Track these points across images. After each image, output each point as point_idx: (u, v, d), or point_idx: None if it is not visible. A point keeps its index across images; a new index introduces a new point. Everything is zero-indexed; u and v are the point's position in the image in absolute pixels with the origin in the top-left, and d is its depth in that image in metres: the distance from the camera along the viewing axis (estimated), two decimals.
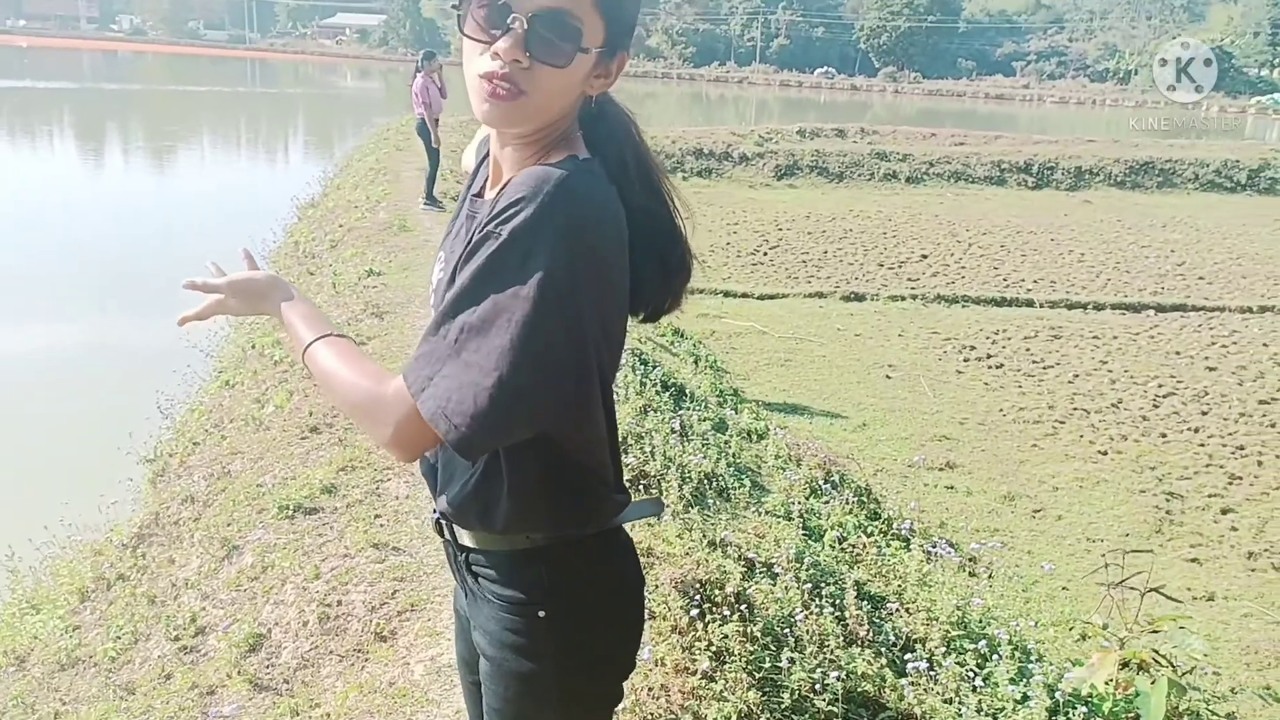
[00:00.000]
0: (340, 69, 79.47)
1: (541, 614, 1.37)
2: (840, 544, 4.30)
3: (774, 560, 3.30)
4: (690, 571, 2.84)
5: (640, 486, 3.67)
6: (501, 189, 1.27)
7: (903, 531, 4.61)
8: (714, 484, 4.13)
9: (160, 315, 10.12)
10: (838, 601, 3.14)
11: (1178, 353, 9.65)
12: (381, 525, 3.39)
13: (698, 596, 2.79)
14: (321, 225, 11.15)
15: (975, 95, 70.76)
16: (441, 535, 1.49)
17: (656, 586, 2.76)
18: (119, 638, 3.16)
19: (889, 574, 4.00)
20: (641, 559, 2.95)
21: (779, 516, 4.34)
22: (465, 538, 1.42)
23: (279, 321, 1.43)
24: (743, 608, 2.79)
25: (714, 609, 2.74)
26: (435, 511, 1.47)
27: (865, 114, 46.93)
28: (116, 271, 12.37)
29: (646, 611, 2.51)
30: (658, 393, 5.20)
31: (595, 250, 1.20)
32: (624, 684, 1.51)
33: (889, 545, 4.47)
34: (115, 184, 20.71)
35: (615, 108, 1.41)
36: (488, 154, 1.46)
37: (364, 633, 2.77)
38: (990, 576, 5.21)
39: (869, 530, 4.65)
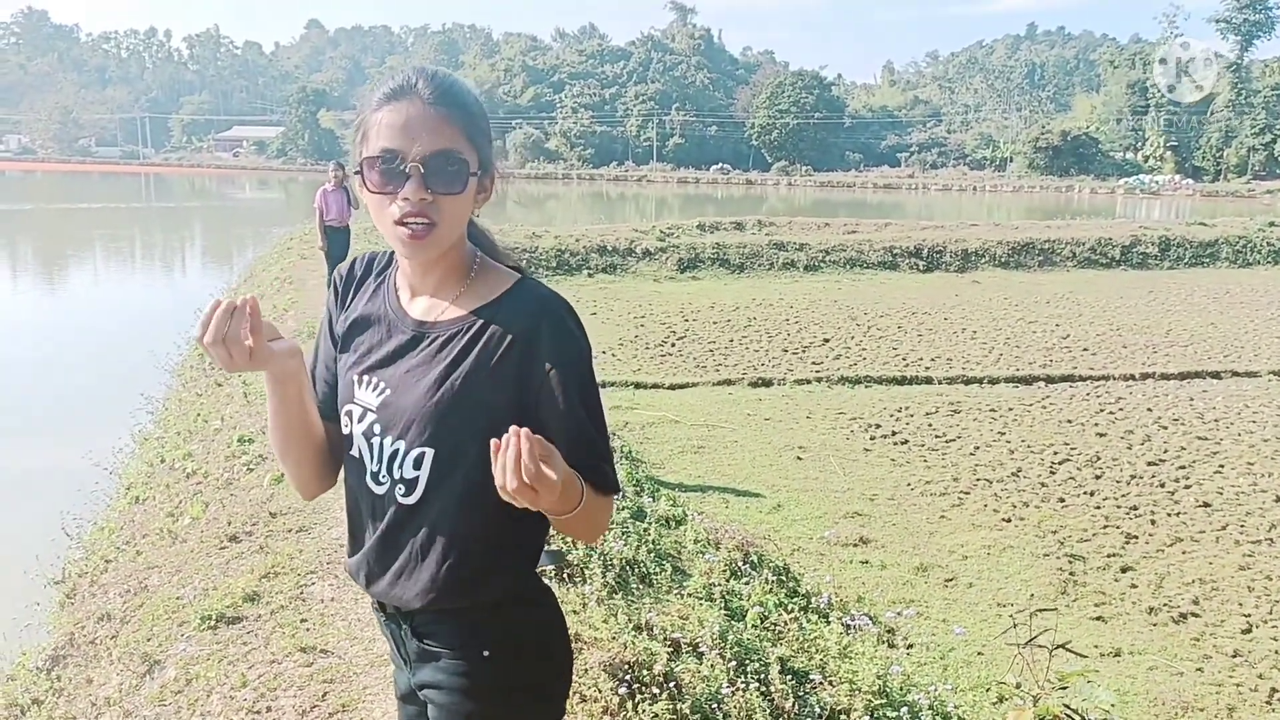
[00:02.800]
0: (239, 181, 79.01)
1: (485, 654, 1.52)
2: (762, 622, 4.39)
3: (699, 640, 3.38)
4: (618, 654, 2.90)
5: (565, 575, 3.73)
6: (479, 319, 1.51)
7: (821, 607, 4.72)
8: (636, 570, 4.20)
9: (58, 438, 9.84)
10: (763, 678, 3.22)
11: (1069, 421, 10.10)
12: (308, 629, 3.37)
13: (627, 678, 2.85)
14: None
15: (864, 185, 73.95)
16: (384, 612, 1.59)
17: (585, 670, 2.81)
18: None
19: (811, 649, 4.10)
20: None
21: (701, 598, 4.42)
22: (417, 600, 1.54)
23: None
24: (671, 686, 2.85)
25: (643, 689, 2.80)
26: (375, 600, 1.61)
27: (761, 206, 48.58)
28: (10, 394, 11.97)
29: (577, 695, 2.56)
30: None
31: None
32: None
33: (809, 621, 4.57)
34: (3, 305, 20.10)
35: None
36: (374, 276, 1.67)
37: None
38: (909, 646, 5.35)
39: (789, 607, 4.75)
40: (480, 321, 1.49)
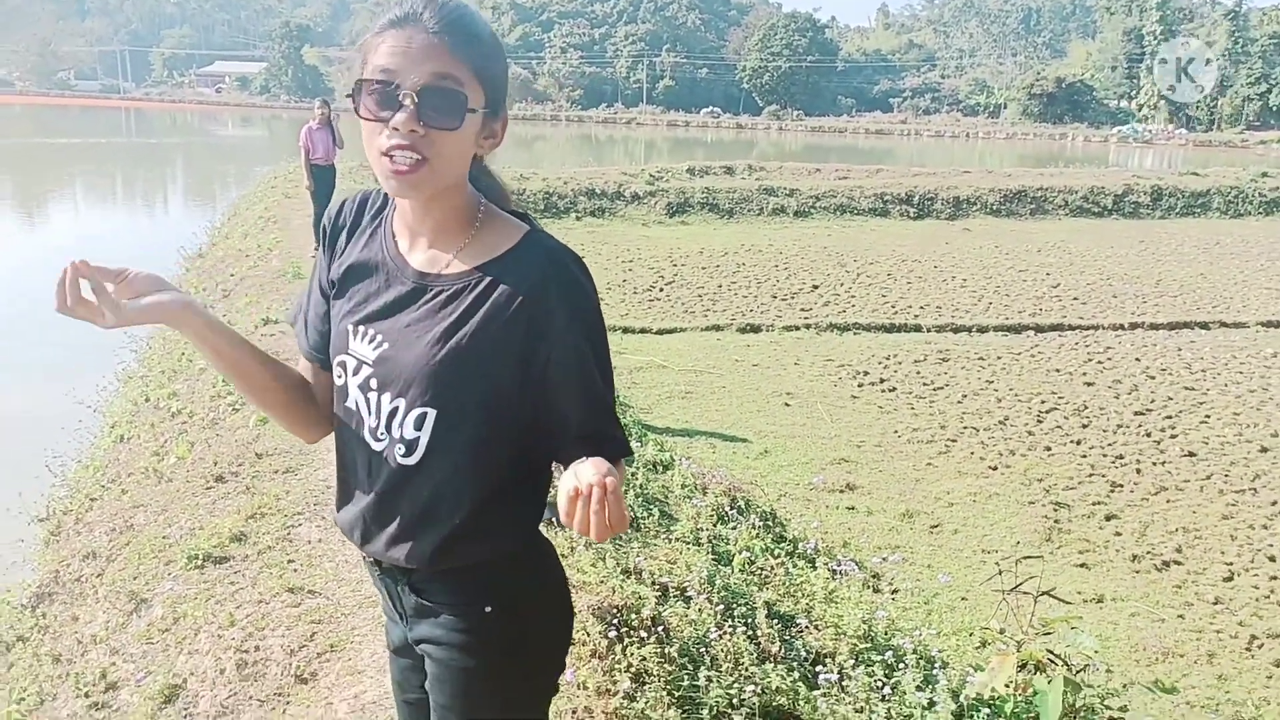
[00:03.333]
0: (221, 117, 77.81)
1: (488, 609, 1.48)
2: (749, 566, 4.40)
3: (686, 584, 3.37)
4: (606, 598, 2.89)
5: (554, 521, 3.70)
6: (486, 272, 1.44)
7: (808, 552, 4.73)
8: None
9: (39, 376, 9.74)
10: (749, 621, 3.22)
11: (1057, 370, 10.12)
12: (295, 570, 3.34)
13: (615, 621, 2.83)
14: (211, 275, 10.90)
15: (856, 131, 73.26)
16: (379, 568, 1.55)
17: (575, 613, 2.80)
18: (23, 699, 3.03)
19: (797, 593, 4.11)
20: None
21: (689, 543, 4.42)
22: (417, 562, 1.49)
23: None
24: (659, 630, 2.85)
25: (631, 633, 2.79)
26: (369, 557, 1.55)
27: (752, 151, 48.09)
28: None
29: None
30: None
31: None
32: (559, 677, 1.61)
33: (796, 566, 4.58)
34: None
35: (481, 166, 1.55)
36: (368, 218, 1.58)
37: (284, 676, 2.73)
38: (894, 591, 5.38)
39: (775, 552, 4.76)
40: (488, 279, 1.42)
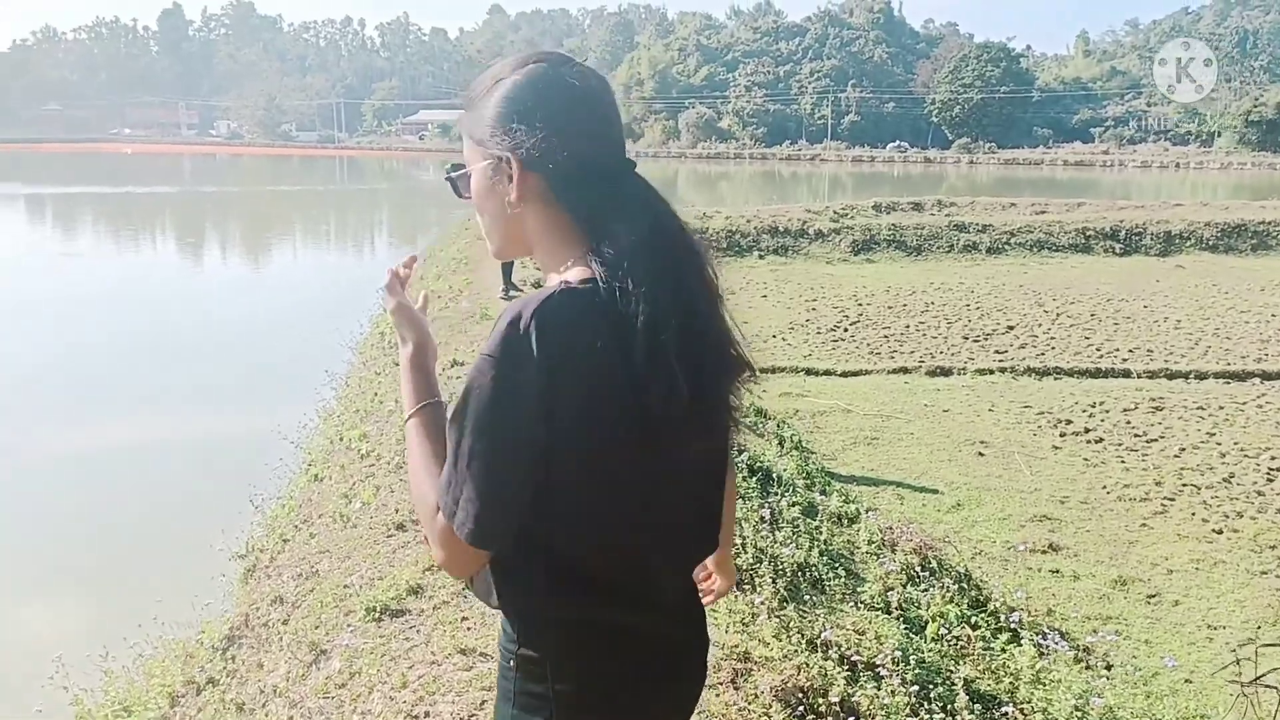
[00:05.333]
0: (423, 163, 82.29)
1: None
2: (943, 637, 4.08)
3: (877, 660, 3.12)
4: (791, 678, 2.69)
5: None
6: None
7: (1010, 623, 4.35)
8: (807, 575, 3.96)
9: (252, 408, 10.41)
10: (948, 704, 2.95)
11: None
12: (468, 629, 3.30)
13: (800, 706, 2.63)
14: None
15: (1053, 163, 70.02)
16: None
17: (757, 695, 2.62)
18: None
19: (999, 670, 3.77)
20: (739, 664, 2.82)
21: (877, 609, 4.15)
22: None
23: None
24: (849, 718, 2.62)
25: (818, 717, 2.58)
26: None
27: (940, 186, 46.77)
28: (210, 365, 12.76)
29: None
30: (744, 478, 5.06)
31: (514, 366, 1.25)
32: None
33: (996, 638, 4.23)
34: (210, 281, 21.55)
35: (636, 186, 1.41)
36: None
37: None
38: (1107, 668, 4.89)
39: (972, 620, 4.41)
40: None
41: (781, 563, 3.88)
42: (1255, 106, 69.23)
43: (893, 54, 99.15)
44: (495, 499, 1.27)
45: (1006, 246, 20.24)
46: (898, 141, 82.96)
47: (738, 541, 3.95)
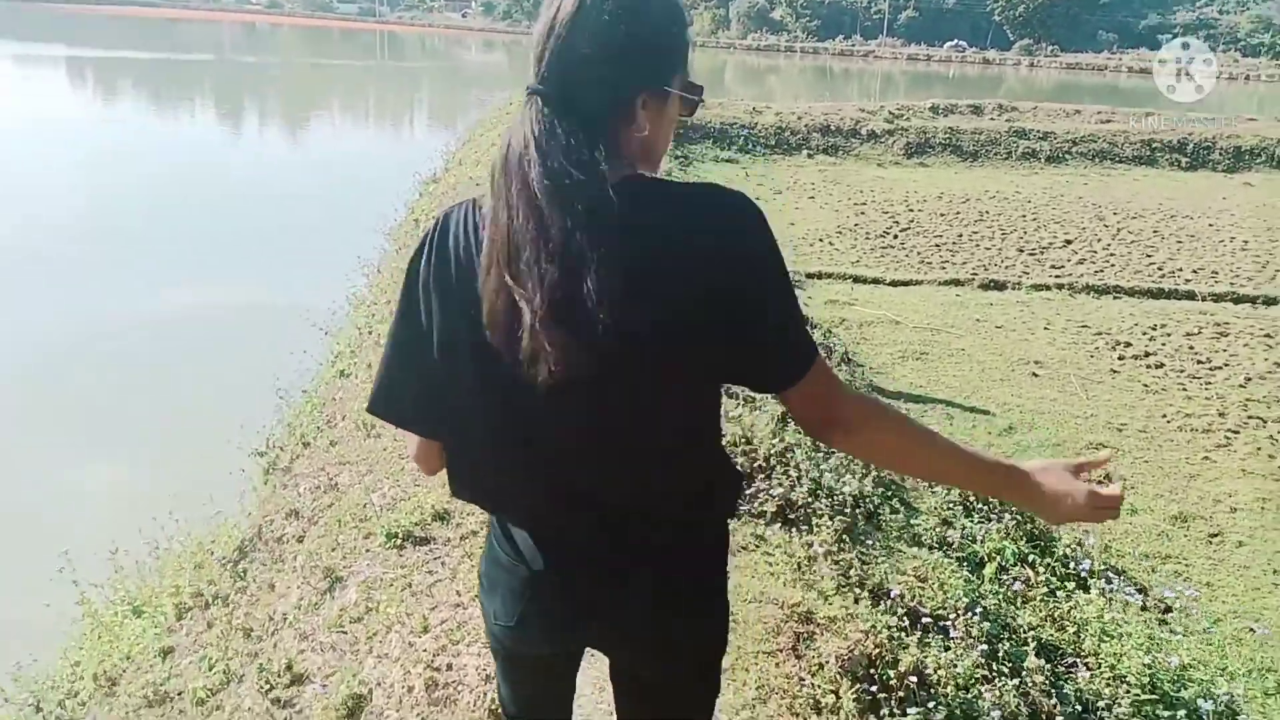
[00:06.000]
0: (465, 41, 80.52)
1: None
2: (1000, 577, 3.82)
3: (942, 612, 2.87)
4: (858, 643, 2.43)
5: (788, 518, 3.27)
6: None
7: (1078, 570, 4.07)
8: (862, 508, 3.69)
9: (284, 286, 10.21)
10: (1017, 664, 2.69)
11: None
12: None
13: (870, 680, 2.37)
14: (442, 201, 10.97)
15: (1117, 69, 67.14)
16: None
17: (821, 666, 2.37)
18: (211, 672, 2.92)
19: (1063, 619, 3.51)
20: (799, 627, 2.56)
21: (934, 546, 3.88)
22: None
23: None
24: (915, 683, 2.37)
25: (888, 693, 2.33)
26: None
27: (999, 88, 44.99)
28: (240, 240, 12.55)
29: (810, 701, 2.12)
30: None
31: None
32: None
33: (1055, 578, 3.96)
34: (249, 154, 21.26)
35: None
36: None
37: (476, 709, 2.41)
38: (1166, 611, 4.63)
39: (1030, 560, 4.15)
40: None
41: (838, 496, 3.60)
42: None
43: None
44: (384, 375, 1.48)
45: (1067, 156, 19.39)
46: (955, 40, 79.71)
47: (791, 471, 3.66)
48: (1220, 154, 19.60)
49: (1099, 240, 12.88)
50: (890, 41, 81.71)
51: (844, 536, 3.28)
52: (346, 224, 11.56)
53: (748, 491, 3.37)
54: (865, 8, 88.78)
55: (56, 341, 8.41)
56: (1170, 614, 4.58)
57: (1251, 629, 4.58)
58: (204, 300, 9.78)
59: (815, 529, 3.23)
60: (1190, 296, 10.47)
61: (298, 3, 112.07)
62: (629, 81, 1.29)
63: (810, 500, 3.44)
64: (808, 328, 1.23)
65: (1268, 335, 9.20)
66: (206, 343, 8.49)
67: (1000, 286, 10.62)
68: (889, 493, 4.12)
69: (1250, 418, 7.26)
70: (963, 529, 4.22)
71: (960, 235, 12.95)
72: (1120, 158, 19.41)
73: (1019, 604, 3.59)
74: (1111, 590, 4.05)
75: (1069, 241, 12.76)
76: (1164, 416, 7.27)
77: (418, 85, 43.36)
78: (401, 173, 14.68)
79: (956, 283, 10.72)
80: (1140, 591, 4.76)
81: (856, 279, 10.70)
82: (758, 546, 3.05)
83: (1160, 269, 11.53)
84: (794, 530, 3.23)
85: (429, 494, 3.45)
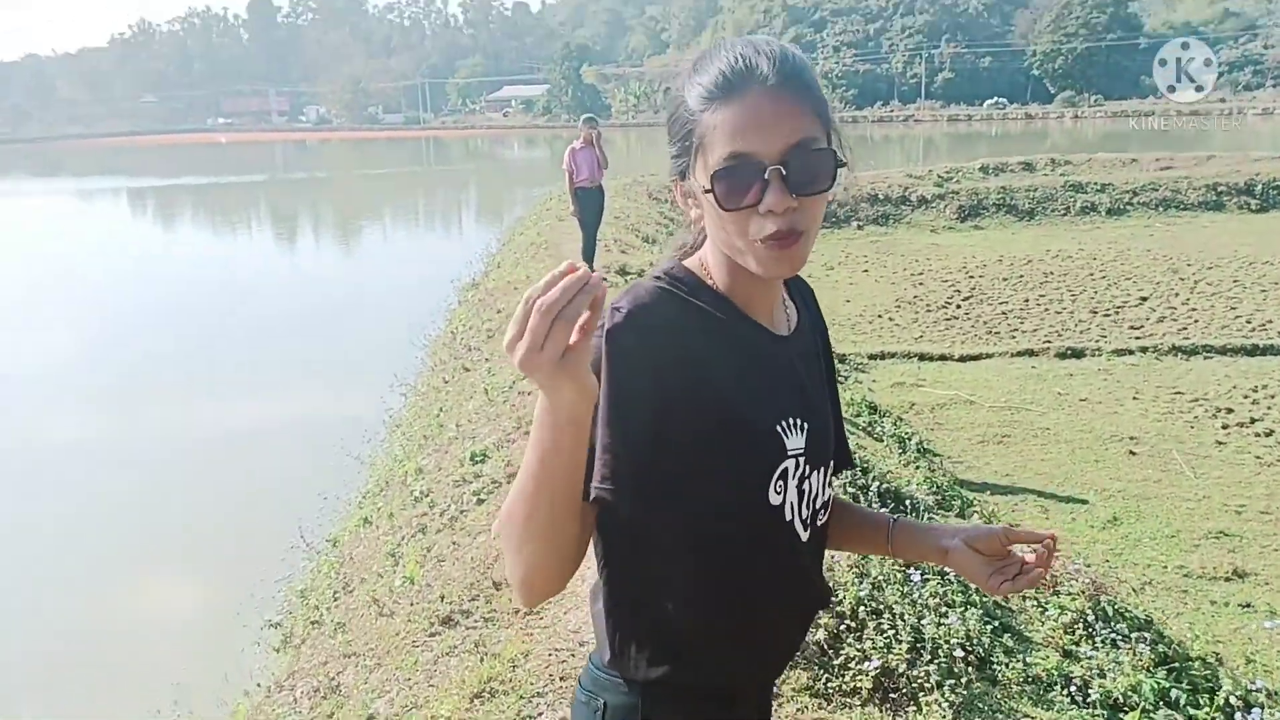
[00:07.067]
0: (507, 140, 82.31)
1: None
2: None
3: None
4: None
5: (889, 695, 2.70)
6: (795, 311, 1.43)
7: (1227, 700, 3.43)
8: (972, 654, 3.12)
9: (316, 412, 9.89)
10: None
11: None
12: None
13: None
14: (480, 311, 10.63)
15: (1165, 113, 66.15)
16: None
17: None
18: None
19: None
20: None
21: (1056, 686, 3.28)
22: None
23: None
24: None
25: None
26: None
27: (1044, 143, 44.44)
28: (290, 358, 12.37)
29: None
30: (869, 503, 4.21)
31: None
32: None
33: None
34: (302, 269, 21.44)
35: None
36: (695, 329, 1.28)
37: None
38: None
39: (1175, 699, 3.51)
40: (800, 317, 1.42)
41: (941, 647, 3.02)
42: None
43: (988, 5, 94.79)
44: None
45: (1129, 207, 18.70)
46: (995, 98, 79.54)
47: (886, 627, 3.08)
48: None
49: (1176, 295, 12.17)
50: (929, 104, 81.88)
51: (960, 713, 2.70)
52: (391, 336, 11.30)
53: (835, 662, 2.82)
54: (901, 72, 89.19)
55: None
56: None
57: None
58: (233, 426, 9.48)
59: (924, 708, 2.66)
60: None
61: (345, 117, 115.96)
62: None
63: (912, 656, 2.87)
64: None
65: None
66: (232, 474, 8.09)
67: (1078, 354, 9.96)
68: (998, 625, 3.53)
69: None
70: (1087, 663, 3.60)
71: (1027, 300, 12.33)
72: (1185, 205, 18.67)
73: None
74: None
75: (1144, 299, 12.07)
76: None
77: (464, 186, 44.05)
78: (457, 272, 14.52)
79: (1030, 353, 10.08)
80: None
81: (922, 356, 10.12)
82: None
83: (1249, 322, 10.79)
84: (897, 715, 2.66)
85: (443, 700, 2.88)
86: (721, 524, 1.27)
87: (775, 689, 1.47)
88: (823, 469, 1.36)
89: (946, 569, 3.99)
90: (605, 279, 1.01)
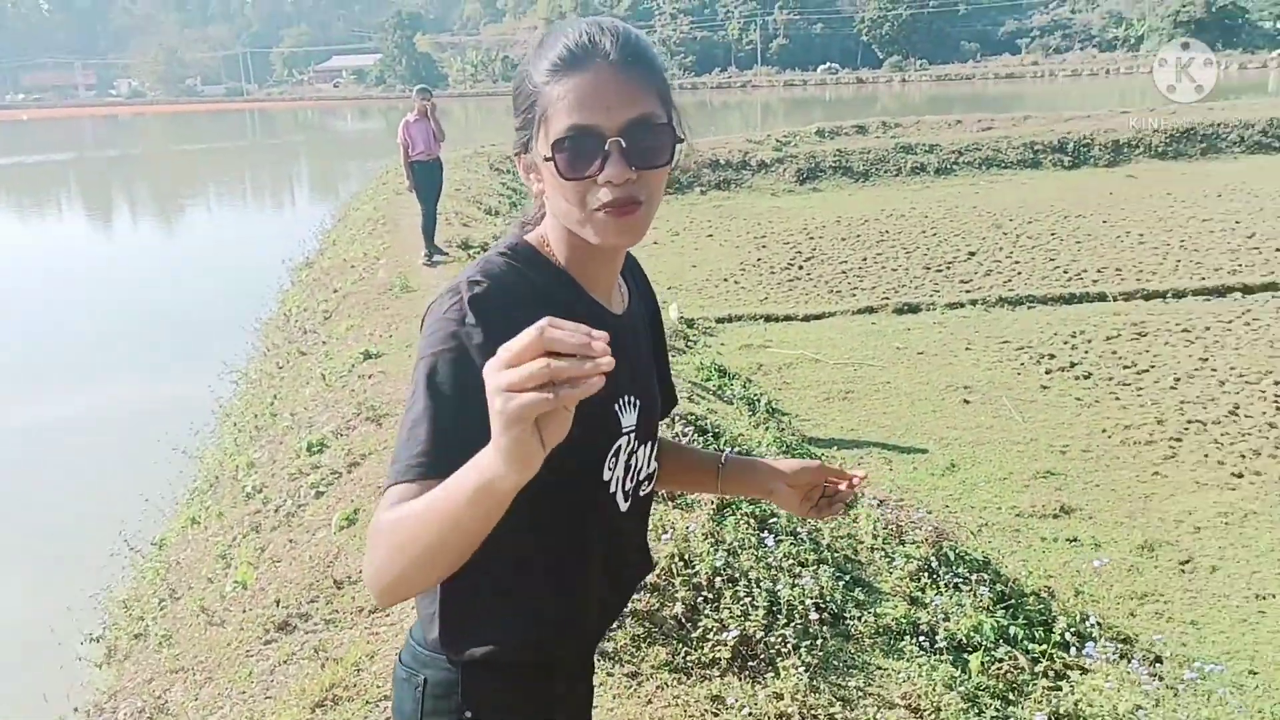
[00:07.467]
0: (340, 112, 79.41)
1: None
2: (989, 668, 3.32)
3: None
4: None
5: (747, 663, 2.69)
6: (628, 291, 1.43)
7: (1061, 632, 3.60)
8: (825, 611, 3.16)
9: (141, 403, 9.31)
10: None
11: None
12: None
13: None
14: (314, 291, 10.17)
15: (984, 77, 69.53)
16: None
17: None
18: None
19: (1072, 710, 3.01)
20: None
21: (908, 635, 3.37)
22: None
23: None
24: None
25: None
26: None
27: (874, 107, 46.00)
28: (108, 343, 11.59)
29: None
30: None
31: None
32: None
33: (1049, 659, 3.48)
34: (122, 250, 20.18)
35: None
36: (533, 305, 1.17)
37: None
38: (1155, 660, 4.19)
39: (1014, 635, 3.67)
40: (633, 297, 1.44)
41: (795, 610, 3.04)
42: (1184, 6, 69.10)
43: None
44: None
45: (955, 166, 19.53)
46: (828, 64, 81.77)
47: (743, 595, 3.08)
48: (1100, 150, 20.01)
49: (1001, 249, 12.77)
50: (765, 70, 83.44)
51: (817, 674, 2.73)
52: (219, 320, 10.70)
53: (693, 635, 2.80)
54: (737, 40, 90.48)
55: None
56: (1159, 665, 4.15)
57: (1252, 672, 4.18)
58: (46, 423, 8.78)
59: (782, 672, 2.67)
60: (1101, 298, 10.33)
61: (160, 90, 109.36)
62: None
63: (768, 621, 2.88)
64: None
65: (1185, 330, 9.05)
66: (45, 474, 7.49)
67: (915, 309, 10.33)
68: (850, 579, 3.60)
69: (1190, 422, 6.99)
70: (933, 608, 3.72)
71: (865, 259, 12.71)
72: (1005, 163, 19.64)
73: (1016, 699, 3.10)
74: (1090, 651, 3.56)
75: (973, 254, 12.62)
76: (1104, 431, 6.95)
77: (294, 160, 42.27)
78: (282, 253, 13.87)
79: (870, 310, 10.39)
80: (1124, 642, 4.34)
81: (768, 317, 10.30)
82: (717, 715, 2.48)
83: (1065, 272, 11.43)
84: (756, 681, 2.66)
85: (281, 714, 2.69)
86: (560, 503, 1.26)
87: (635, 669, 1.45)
88: (649, 443, 1.40)
89: (798, 529, 4.07)
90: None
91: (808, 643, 2.88)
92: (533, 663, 1.34)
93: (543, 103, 1.21)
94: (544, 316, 1.12)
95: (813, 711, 2.52)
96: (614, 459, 1.32)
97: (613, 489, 1.34)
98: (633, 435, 1.34)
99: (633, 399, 1.34)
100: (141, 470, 6.03)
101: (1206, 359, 8.25)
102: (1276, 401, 7.26)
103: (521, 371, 0.88)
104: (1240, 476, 6.13)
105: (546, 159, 1.21)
